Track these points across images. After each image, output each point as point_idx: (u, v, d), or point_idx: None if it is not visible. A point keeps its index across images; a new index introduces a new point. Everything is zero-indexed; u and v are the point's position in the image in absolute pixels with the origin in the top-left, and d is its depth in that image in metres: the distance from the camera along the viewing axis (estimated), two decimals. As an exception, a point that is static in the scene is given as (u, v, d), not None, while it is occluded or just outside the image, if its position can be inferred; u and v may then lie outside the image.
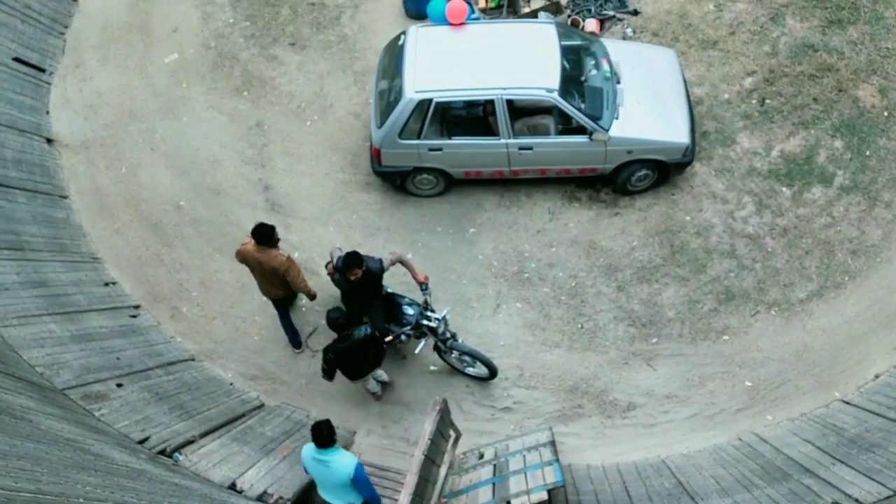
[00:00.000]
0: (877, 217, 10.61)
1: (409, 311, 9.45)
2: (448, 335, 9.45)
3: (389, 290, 9.70)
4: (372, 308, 9.42)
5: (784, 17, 11.90)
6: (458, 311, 10.29)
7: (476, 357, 9.66)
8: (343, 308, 9.03)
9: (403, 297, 9.65)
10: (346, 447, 9.39)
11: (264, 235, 8.97)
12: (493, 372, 9.79)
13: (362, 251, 10.57)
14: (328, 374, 8.99)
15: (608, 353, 10.19)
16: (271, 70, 12.17)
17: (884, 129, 11.04)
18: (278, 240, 9.21)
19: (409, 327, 9.40)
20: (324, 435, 7.26)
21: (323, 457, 7.33)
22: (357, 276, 8.73)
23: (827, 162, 10.98)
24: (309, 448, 7.44)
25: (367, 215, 11.06)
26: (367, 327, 8.75)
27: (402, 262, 9.33)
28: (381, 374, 9.66)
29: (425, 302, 9.45)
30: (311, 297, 9.64)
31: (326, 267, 9.81)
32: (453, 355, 9.77)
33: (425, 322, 9.38)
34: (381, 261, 9.11)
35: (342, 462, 7.35)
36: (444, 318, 9.36)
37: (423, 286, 9.38)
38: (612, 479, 8.95)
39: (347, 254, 8.74)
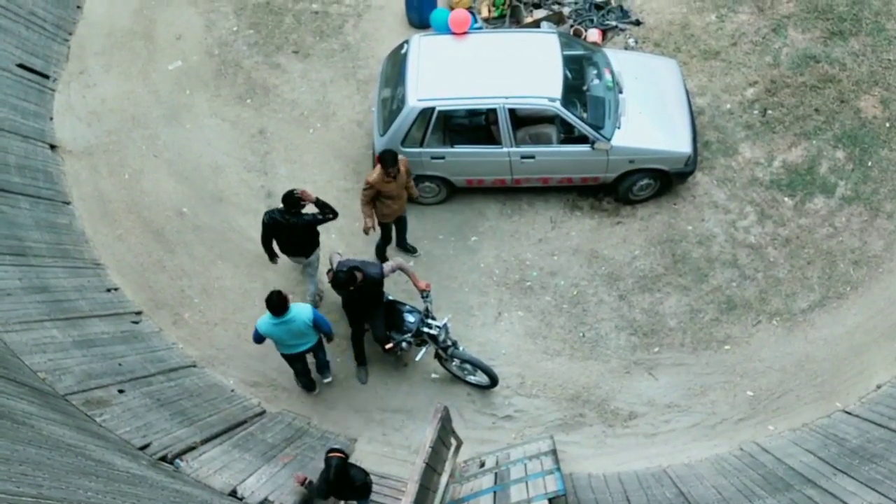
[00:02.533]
0: (879, 228, 10.62)
1: (410, 318, 9.45)
2: (449, 343, 9.45)
3: (391, 298, 9.71)
4: (372, 315, 9.43)
5: (786, 28, 11.94)
6: (459, 319, 10.30)
7: (476, 365, 9.66)
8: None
9: (404, 304, 9.66)
10: (348, 455, 9.40)
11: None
12: (493, 380, 9.78)
13: (364, 258, 10.65)
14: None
15: (610, 362, 10.18)
16: (274, 78, 12.21)
17: (885, 140, 11.06)
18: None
19: (409, 335, 9.40)
20: (278, 302, 8.38)
21: (283, 319, 8.51)
22: (354, 283, 8.77)
23: (829, 172, 10.99)
24: (265, 320, 8.58)
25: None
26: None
27: (403, 270, 9.33)
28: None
29: (426, 309, 9.45)
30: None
31: (327, 274, 9.82)
32: (454, 363, 9.76)
33: (426, 330, 9.38)
34: (381, 267, 9.12)
35: (301, 314, 8.61)
36: (444, 325, 9.36)
37: (424, 294, 9.39)
38: (613, 488, 8.93)
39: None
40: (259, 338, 8.85)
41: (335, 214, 9.41)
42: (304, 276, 10.38)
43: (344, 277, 8.68)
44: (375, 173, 9.39)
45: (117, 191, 11.40)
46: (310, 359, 9.58)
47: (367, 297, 9.14)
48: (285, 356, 9.27)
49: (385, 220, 9.99)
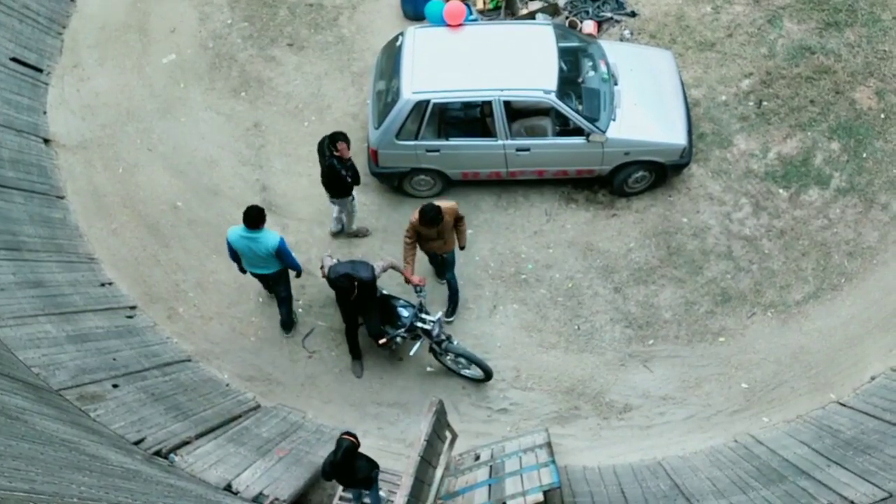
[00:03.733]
0: (873, 219, 10.62)
1: (404, 313, 9.45)
2: (443, 337, 9.46)
3: (384, 292, 9.71)
4: (367, 311, 9.43)
5: (781, 19, 11.91)
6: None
7: (471, 359, 9.67)
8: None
9: (398, 298, 9.66)
10: (359, 444, 9.42)
11: None
12: (488, 374, 9.80)
13: (359, 252, 10.67)
14: None
15: (605, 355, 10.19)
16: (269, 71, 12.17)
17: (880, 132, 11.05)
18: None
19: (403, 329, 9.40)
20: (254, 216, 8.88)
21: (251, 234, 8.99)
22: (355, 291, 8.92)
23: (823, 164, 10.99)
24: (236, 229, 9.11)
25: (365, 216, 11.06)
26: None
27: (395, 268, 9.34)
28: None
29: (420, 304, 9.45)
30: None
31: (321, 269, 9.82)
32: (448, 357, 9.77)
33: (419, 325, 9.39)
34: (372, 268, 9.09)
35: (268, 238, 9.03)
36: (438, 320, 9.36)
37: (418, 288, 9.39)
38: (608, 480, 8.95)
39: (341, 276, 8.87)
40: (231, 252, 9.36)
41: (352, 181, 9.85)
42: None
43: (346, 286, 8.81)
44: (415, 217, 9.20)
45: (112, 185, 11.37)
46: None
47: (360, 294, 9.14)
48: (253, 275, 9.69)
49: (427, 251, 9.84)
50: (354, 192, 10.17)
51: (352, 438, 7.58)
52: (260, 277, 9.76)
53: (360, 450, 7.70)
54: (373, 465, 7.85)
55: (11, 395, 7.03)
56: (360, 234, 10.88)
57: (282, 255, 9.23)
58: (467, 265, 10.69)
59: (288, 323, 10.30)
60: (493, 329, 10.38)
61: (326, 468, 7.66)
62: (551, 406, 9.95)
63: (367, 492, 8.05)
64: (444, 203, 9.23)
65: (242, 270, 9.73)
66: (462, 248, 9.88)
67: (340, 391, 10.14)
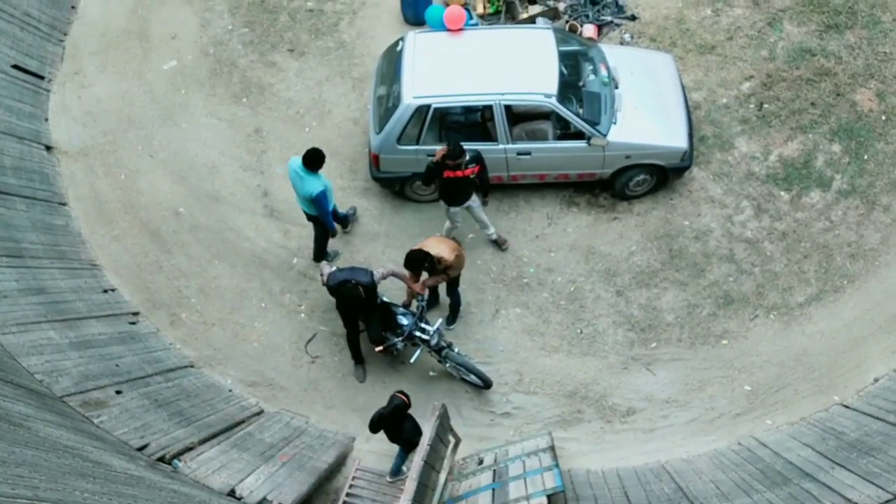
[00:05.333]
0: (875, 221, 10.62)
1: (404, 321, 9.45)
2: (443, 345, 9.45)
3: (385, 299, 9.70)
4: (367, 317, 9.44)
5: (781, 21, 11.93)
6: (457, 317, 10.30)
7: (470, 370, 9.66)
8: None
9: (398, 306, 9.66)
10: (345, 454, 9.42)
11: None
12: (487, 384, 9.80)
13: (361, 257, 10.68)
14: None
15: (607, 358, 10.19)
16: (270, 76, 12.19)
17: (881, 133, 11.06)
18: None
19: (401, 338, 9.39)
20: (309, 156, 9.42)
21: (301, 173, 9.54)
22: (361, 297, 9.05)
23: (825, 166, 10.99)
24: (296, 159, 9.62)
25: (366, 221, 11.07)
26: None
27: (396, 275, 9.31)
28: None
29: (421, 312, 9.44)
30: None
31: (321, 276, 9.83)
32: (448, 365, 9.77)
33: (418, 334, 9.39)
34: (371, 274, 9.08)
35: (312, 183, 9.53)
36: (437, 329, 9.35)
37: (419, 297, 9.40)
38: (611, 484, 8.94)
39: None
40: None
41: (478, 188, 10.04)
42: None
43: (350, 291, 8.91)
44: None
45: (113, 191, 11.38)
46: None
47: (361, 301, 9.14)
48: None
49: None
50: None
51: (403, 398, 8.32)
52: (307, 217, 10.23)
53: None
54: (417, 431, 8.54)
55: (15, 401, 7.03)
56: (331, 257, 10.85)
57: (317, 205, 9.67)
58: (469, 269, 10.67)
59: (319, 255, 10.65)
60: (496, 333, 10.38)
61: (375, 419, 8.32)
62: (554, 410, 9.94)
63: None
64: (445, 251, 9.22)
65: None
66: (418, 293, 9.63)
67: (343, 396, 10.13)
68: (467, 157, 9.50)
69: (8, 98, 11.09)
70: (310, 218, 10.20)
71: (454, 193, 9.91)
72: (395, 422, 8.41)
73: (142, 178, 11.50)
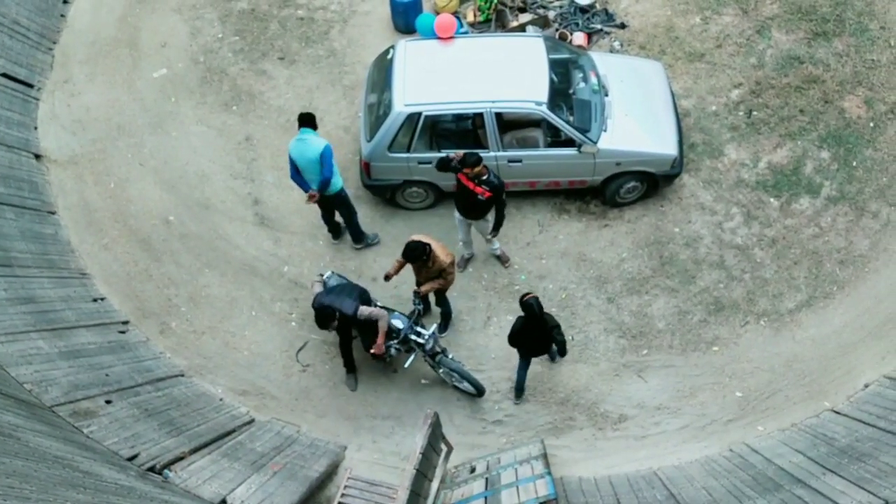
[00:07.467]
0: (864, 227, 10.68)
1: (399, 324, 9.43)
2: (437, 350, 9.44)
3: (379, 305, 9.69)
4: (361, 325, 9.41)
5: (770, 29, 12.00)
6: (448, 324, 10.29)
7: (463, 376, 9.64)
8: None
9: (393, 310, 9.64)
10: (336, 463, 9.38)
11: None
12: (479, 392, 9.78)
13: (352, 265, 10.67)
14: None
15: (599, 365, 10.19)
16: (260, 84, 12.18)
17: (870, 140, 11.13)
18: None
19: (397, 341, 9.38)
20: (308, 117, 9.62)
21: (302, 136, 9.59)
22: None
23: (814, 173, 11.05)
24: (294, 141, 9.69)
25: (357, 229, 11.06)
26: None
27: (376, 321, 9.11)
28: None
29: (416, 317, 9.43)
30: None
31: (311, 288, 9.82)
32: (442, 370, 9.75)
33: (413, 338, 9.37)
34: (355, 306, 9.00)
35: (317, 140, 9.63)
36: (433, 333, 9.35)
37: (416, 300, 9.39)
38: (603, 491, 8.93)
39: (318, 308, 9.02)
40: (292, 169, 9.84)
41: (493, 207, 9.95)
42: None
43: (325, 318, 8.99)
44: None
45: (103, 200, 11.34)
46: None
47: (339, 325, 9.21)
48: (319, 205, 10.25)
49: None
50: None
51: (534, 295, 8.78)
52: (322, 205, 10.20)
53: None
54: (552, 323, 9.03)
55: (4, 412, 6.98)
56: (370, 239, 11.00)
57: (323, 160, 9.62)
58: (460, 277, 10.68)
59: (358, 237, 10.83)
60: (487, 341, 10.37)
61: (516, 327, 9.03)
62: (546, 417, 9.93)
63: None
64: (441, 252, 9.21)
65: (307, 190, 9.92)
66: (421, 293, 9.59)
67: (335, 404, 10.10)
68: (485, 176, 9.37)
69: (-3, 106, 11.06)
70: (327, 203, 10.17)
71: (462, 202, 9.86)
72: (540, 318, 8.83)
73: (131, 186, 11.46)
